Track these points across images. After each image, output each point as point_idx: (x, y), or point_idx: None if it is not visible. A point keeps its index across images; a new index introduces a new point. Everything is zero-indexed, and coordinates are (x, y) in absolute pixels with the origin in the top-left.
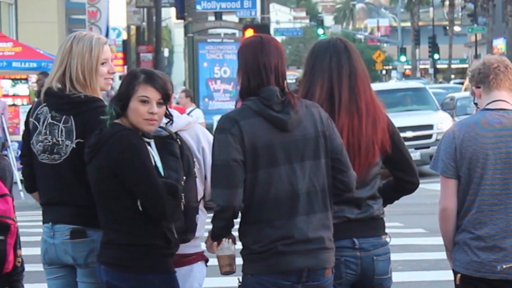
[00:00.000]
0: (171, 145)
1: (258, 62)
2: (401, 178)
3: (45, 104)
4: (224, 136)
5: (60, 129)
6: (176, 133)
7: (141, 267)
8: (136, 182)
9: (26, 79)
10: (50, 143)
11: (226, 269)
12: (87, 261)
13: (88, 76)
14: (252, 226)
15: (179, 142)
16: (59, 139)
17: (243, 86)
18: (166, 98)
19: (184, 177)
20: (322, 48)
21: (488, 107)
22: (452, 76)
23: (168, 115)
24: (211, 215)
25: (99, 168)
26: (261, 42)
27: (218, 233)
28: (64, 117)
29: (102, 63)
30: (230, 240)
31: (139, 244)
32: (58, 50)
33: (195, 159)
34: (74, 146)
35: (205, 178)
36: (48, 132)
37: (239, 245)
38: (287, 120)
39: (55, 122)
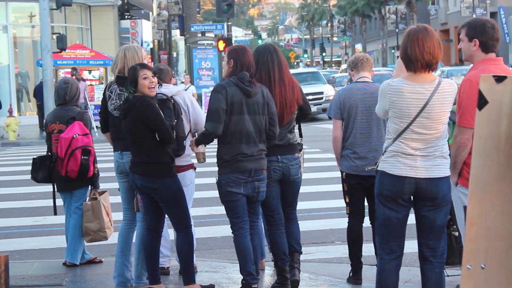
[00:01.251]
0: (168, 103)
1: (244, 59)
2: (304, 112)
3: (115, 83)
4: (217, 94)
5: (124, 97)
6: (171, 96)
7: (160, 174)
8: (156, 125)
9: (97, 70)
10: (118, 105)
11: (201, 161)
12: None
13: None
14: (225, 145)
15: (172, 101)
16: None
17: (232, 70)
18: (155, 74)
19: (175, 120)
20: (262, 49)
21: (357, 80)
22: (333, 65)
23: (159, 82)
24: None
25: (134, 119)
26: (244, 48)
27: (202, 141)
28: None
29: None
30: (204, 145)
31: (157, 161)
32: (116, 54)
33: (182, 110)
34: None
35: (190, 120)
36: (117, 98)
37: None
38: (250, 91)
39: (121, 93)
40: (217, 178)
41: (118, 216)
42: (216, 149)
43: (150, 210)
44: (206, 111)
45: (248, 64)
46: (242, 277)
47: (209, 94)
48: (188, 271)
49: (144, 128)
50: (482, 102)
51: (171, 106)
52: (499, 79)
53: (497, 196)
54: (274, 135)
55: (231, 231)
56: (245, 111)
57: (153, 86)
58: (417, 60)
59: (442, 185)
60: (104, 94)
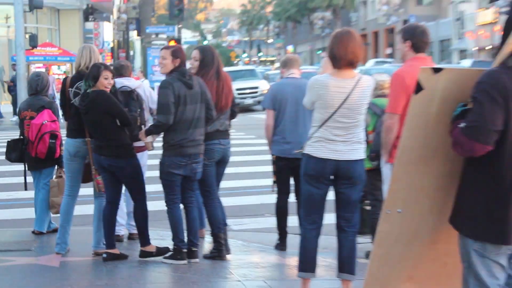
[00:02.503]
0: (132, 94)
1: (184, 58)
2: (233, 105)
3: (75, 77)
4: (165, 90)
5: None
6: (134, 89)
7: (124, 155)
8: (117, 112)
9: (64, 65)
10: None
11: (150, 148)
12: None
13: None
14: (171, 132)
15: (135, 93)
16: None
17: (174, 68)
18: (113, 74)
19: (138, 110)
20: (207, 50)
21: (288, 77)
22: (268, 63)
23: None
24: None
25: (98, 111)
26: (180, 48)
27: (152, 132)
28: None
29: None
30: (154, 136)
31: (121, 144)
32: (78, 52)
33: (143, 101)
34: None
35: (149, 108)
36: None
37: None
38: (191, 84)
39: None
40: (161, 159)
41: (80, 191)
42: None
43: (110, 186)
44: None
45: (185, 61)
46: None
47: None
48: (143, 235)
49: (108, 117)
50: (419, 88)
51: (135, 97)
52: (436, 70)
53: (419, 159)
54: (212, 117)
55: (166, 205)
56: (188, 102)
57: (109, 86)
58: (341, 59)
59: (358, 166)
60: (65, 87)
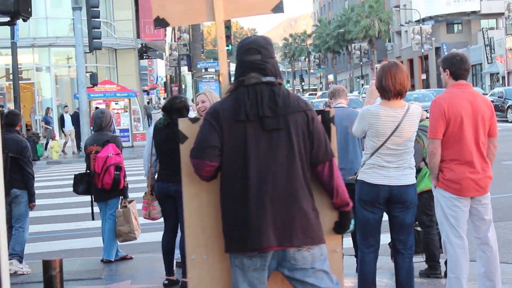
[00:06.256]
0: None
1: None
2: None
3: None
4: None
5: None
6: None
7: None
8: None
9: (122, 101)
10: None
11: None
12: None
13: None
14: None
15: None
16: None
17: None
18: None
19: None
20: None
21: (335, 106)
22: (311, 91)
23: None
24: None
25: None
26: None
27: None
28: None
29: None
30: None
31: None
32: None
33: None
34: None
35: None
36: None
37: None
38: None
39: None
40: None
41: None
42: None
43: (173, 214)
44: None
45: None
46: None
47: None
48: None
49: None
50: (182, 137)
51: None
52: (194, 120)
53: (208, 204)
54: None
55: None
56: None
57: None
58: (390, 90)
59: (410, 191)
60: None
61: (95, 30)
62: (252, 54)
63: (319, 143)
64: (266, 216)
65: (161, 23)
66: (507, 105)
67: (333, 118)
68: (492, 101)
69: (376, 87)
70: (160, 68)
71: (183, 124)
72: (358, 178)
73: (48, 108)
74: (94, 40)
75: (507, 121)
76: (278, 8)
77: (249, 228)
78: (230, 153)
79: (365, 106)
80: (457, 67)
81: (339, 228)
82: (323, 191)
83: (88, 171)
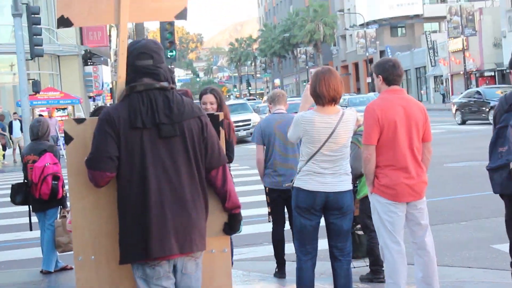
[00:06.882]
0: None
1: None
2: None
3: None
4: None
5: None
6: None
7: None
8: None
9: (66, 108)
10: None
11: None
12: None
13: None
14: None
15: None
16: None
17: None
18: None
19: None
20: (218, 91)
21: (275, 112)
22: (258, 96)
23: None
24: None
25: None
26: (187, 92)
27: None
28: None
29: None
30: None
31: None
32: None
33: None
34: None
35: None
36: None
37: None
38: None
39: None
40: None
41: None
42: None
43: None
44: None
45: None
46: None
47: None
48: None
49: None
50: (67, 138)
51: None
52: (78, 121)
53: (95, 205)
54: (231, 160)
55: None
56: None
57: None
58: (324, 96)
59: (346, 197)
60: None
61: (37, 36)
62: (144, 59)
63: (212, 149)
64: (167, 224)
65: (64, 22)
66: (489, 106)
67: (222, 122)
68: (472, 102)
69: (310, 93)
70: (106, 74)
71: (68, 125)
72: (294, 185)
73: (1, 115)
74: (35, 47)
75: (489, 123)
76: (182, 15)
77: (151, 237)
78: (127, 162)
79: (300, 112)
80: (389, 73)
81: (229, 230)
82: (212, 193)
83: (25, 181)
